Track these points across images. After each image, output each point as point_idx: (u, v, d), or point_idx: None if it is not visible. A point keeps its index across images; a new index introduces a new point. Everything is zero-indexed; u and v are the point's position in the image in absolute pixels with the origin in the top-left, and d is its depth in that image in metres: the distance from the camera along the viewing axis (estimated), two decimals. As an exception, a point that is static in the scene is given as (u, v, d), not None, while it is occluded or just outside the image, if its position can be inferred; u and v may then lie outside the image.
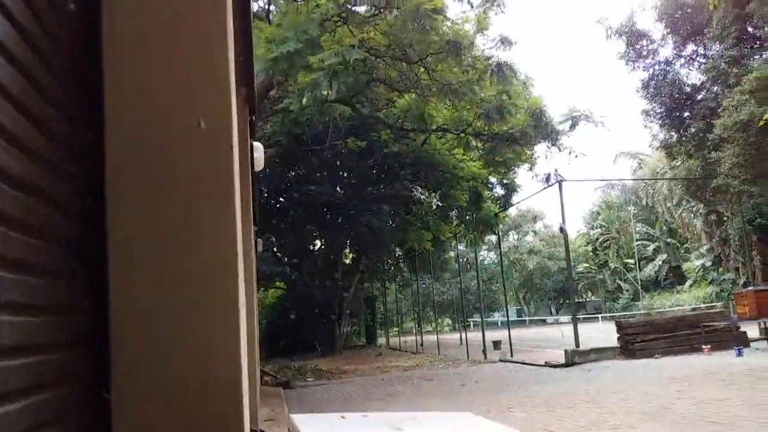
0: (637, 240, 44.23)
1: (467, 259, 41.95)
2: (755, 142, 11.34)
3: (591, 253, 49.34)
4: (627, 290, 45.86)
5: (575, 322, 15.26)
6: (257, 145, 6.05)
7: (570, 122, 14.22)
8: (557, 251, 45.05)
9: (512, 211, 44.73)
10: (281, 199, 19.79)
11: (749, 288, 14.52)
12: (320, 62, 9.21)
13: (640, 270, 43.11)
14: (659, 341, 13.54)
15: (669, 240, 43.66)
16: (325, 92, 9.24)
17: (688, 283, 39.18)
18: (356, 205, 18.55)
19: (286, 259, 25.37)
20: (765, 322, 12.97)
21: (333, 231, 21.47)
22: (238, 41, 3.24)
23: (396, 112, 13.65)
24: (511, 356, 16.98)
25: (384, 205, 18.77)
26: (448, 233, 18.60)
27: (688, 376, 10.33)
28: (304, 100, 9.32)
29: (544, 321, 45.97)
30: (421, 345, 24.56)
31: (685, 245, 40.97)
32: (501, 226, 37.69)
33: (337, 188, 17.96)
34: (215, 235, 1.89)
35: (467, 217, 17.44)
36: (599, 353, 14.04)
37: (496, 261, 46.56)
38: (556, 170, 13.82)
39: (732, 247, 27.01)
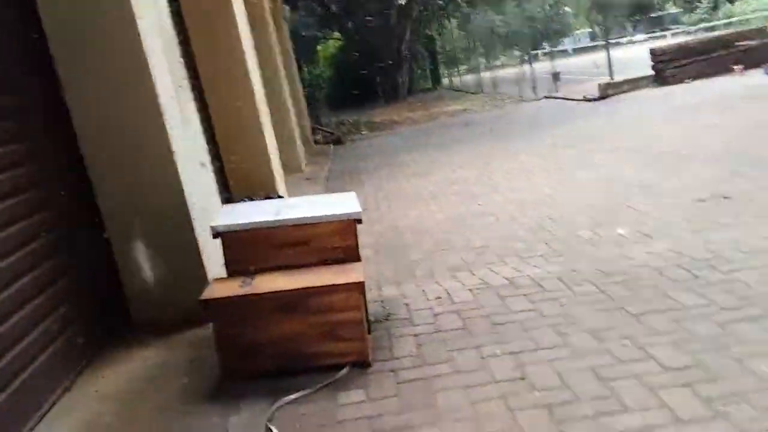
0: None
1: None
2: None
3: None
4: (707, -2, 42.34)
5: (608, 51, 15.37)
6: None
7: None
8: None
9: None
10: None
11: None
12: None
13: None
14: (692, 65, 13.68)
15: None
16: None
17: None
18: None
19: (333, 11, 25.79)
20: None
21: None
22: None
23: None
24: (556, 91, 17.50)
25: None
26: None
27: (700, 102, 10.78)
28: None
29: (618, 43, 44.11)
30: (480, 85, 24.70)
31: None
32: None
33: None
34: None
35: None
36: (633, 83, 14.28)
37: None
38: None
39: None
